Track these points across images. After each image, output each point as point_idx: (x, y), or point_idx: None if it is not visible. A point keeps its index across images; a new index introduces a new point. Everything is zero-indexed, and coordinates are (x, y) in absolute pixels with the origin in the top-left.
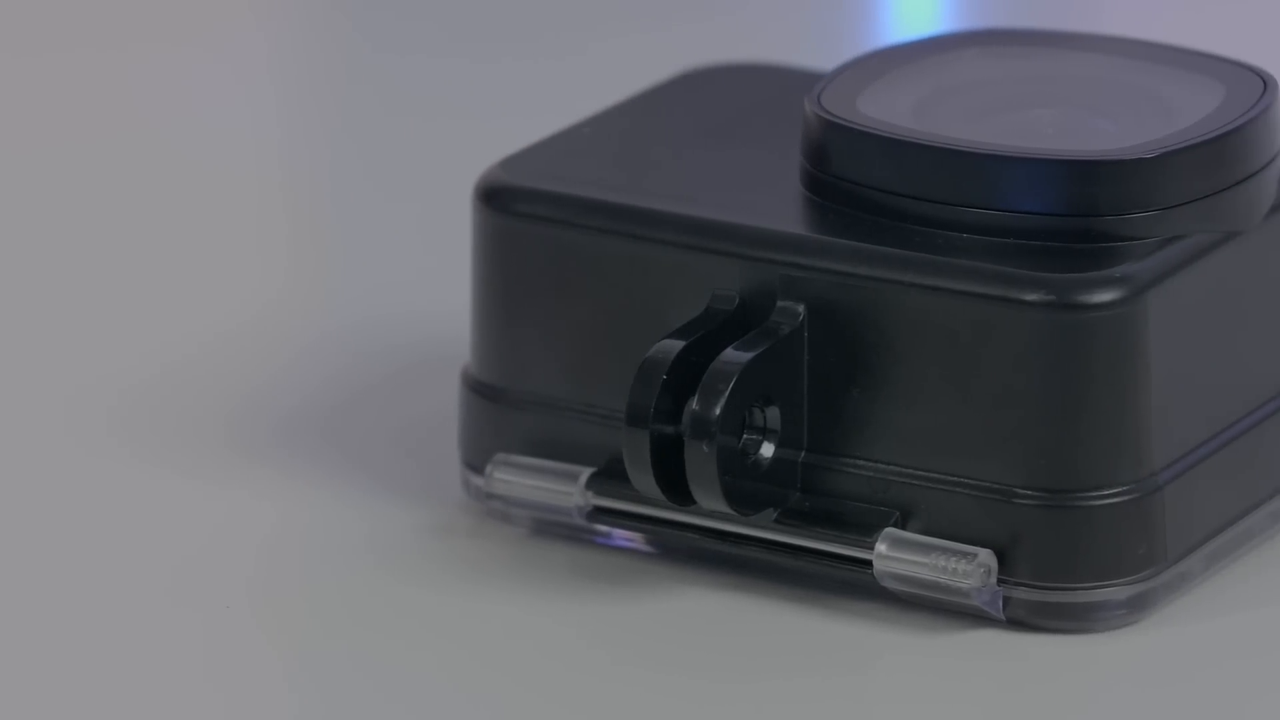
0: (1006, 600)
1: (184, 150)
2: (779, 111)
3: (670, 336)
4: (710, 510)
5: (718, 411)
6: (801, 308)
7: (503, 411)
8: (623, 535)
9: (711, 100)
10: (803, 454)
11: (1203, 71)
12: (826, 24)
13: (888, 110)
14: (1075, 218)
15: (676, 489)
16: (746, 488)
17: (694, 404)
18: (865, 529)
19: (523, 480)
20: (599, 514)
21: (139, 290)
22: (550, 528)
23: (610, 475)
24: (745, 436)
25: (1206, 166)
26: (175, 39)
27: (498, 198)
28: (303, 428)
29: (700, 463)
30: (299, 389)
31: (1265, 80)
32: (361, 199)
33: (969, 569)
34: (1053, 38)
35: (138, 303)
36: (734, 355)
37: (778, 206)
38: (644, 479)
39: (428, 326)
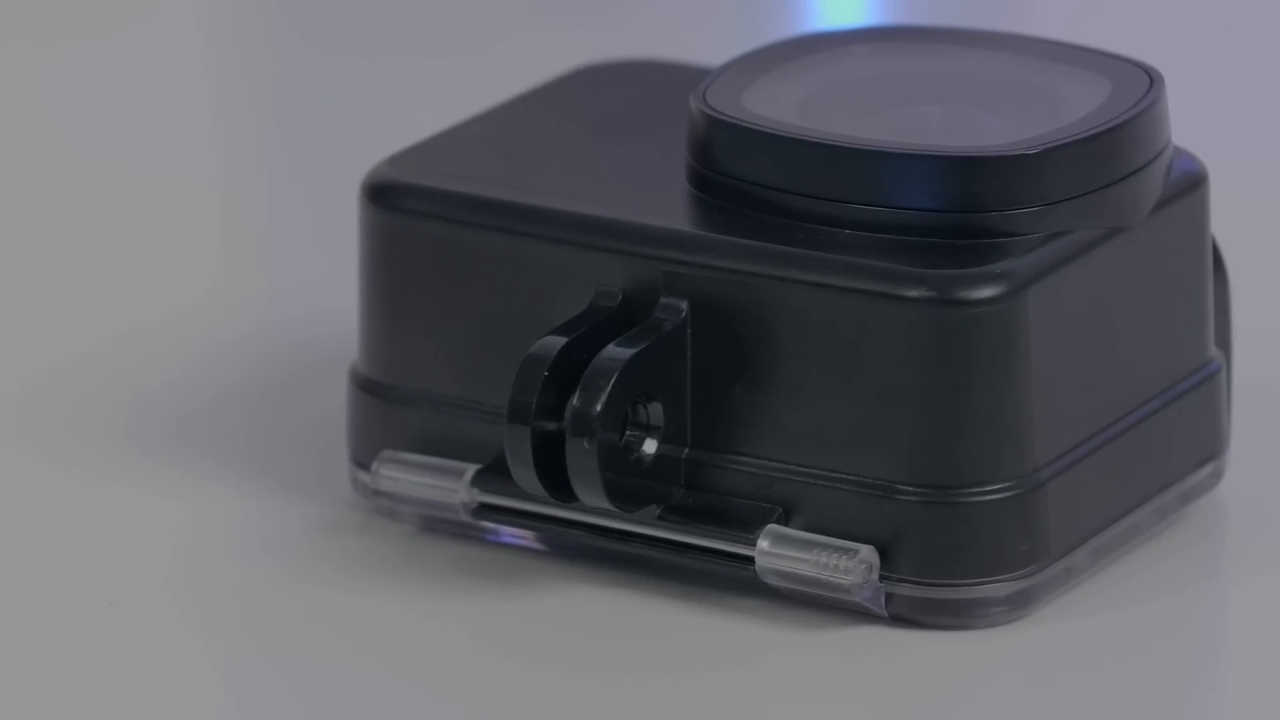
0: (889, 597)
1: (88, 149)
2: (670, 108)
3: (553, 333)
4: (593, 507)
5: (599, 408)
6: (685, 304)
7: (389, 408)
8: (511, 532)
9: (603, 97)
10: (686, 450)
11: (1090, 68)
12: (732, 20)
13: (774, 107)
14: (958, 214)
15: (559, 486)
16: (629, 484)
17: (575, 400)
18: (748, 525)
19: (408, 477)
20: (484, 511)
21: (35, 288)
22: (439, 525)
23: (496, 472)
24: (628, 433)
25: (1090, 162)
26: (70, 30)
27: (384, 195)
28: (198, 425)
29: (581, 459)
30: (196, 388)
31: (1152, 76)
32: (261, 196)
33: (850, 565)
34: (942, 34)
35: (34, 300)
36: (615, 352)
37: (663, 203)
38: (526, 476)
39: (328, 324)
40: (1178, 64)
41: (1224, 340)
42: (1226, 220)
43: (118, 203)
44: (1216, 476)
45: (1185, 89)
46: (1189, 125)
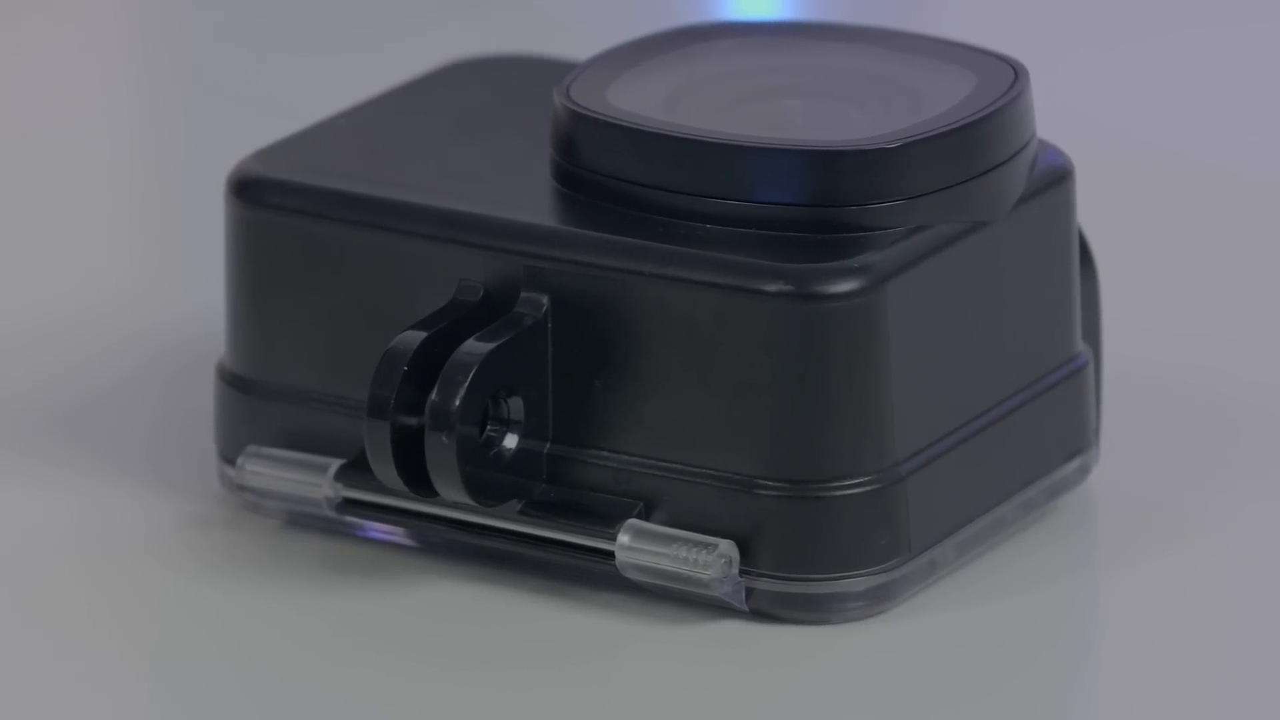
0: (749, 591)
1: None
2: (539, 104)
3: (413, 328)
4: (455, 502)
5: (457, 403)
6: (545, 299)
7: (255, 404)
8: (377, 527)
9: (472, 92)
10: (548, 445)
11: (956, 62)
12: (607, 15)
13: (638, 102)
14: (818, 208)
15: (419, 481)
16: (490, 479)
17: (434, 395)
18: (608, 520)
19: (272, 472)
20: (348, 506)
21: None
22: (306, 520)
23: (360, 467)
24: (488, 428)
25: (951, 156)
26: None
27: (248, 190)
28: (71, 421)
29: (440, 454)
30: (76, 384)
31: (1017, 70)
32: (139, 192)
33: (709, 560)
34: (808, 29)
35: None
36: (474, 346)
37: (526, 198)
38: (386, 471)
39: (205, 320)
40: (1049, 58)
41: (1093, 335)
42: (1097, 214)
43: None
44: (1084, 471)
45: (1056, 83)
46: (1061, 120)
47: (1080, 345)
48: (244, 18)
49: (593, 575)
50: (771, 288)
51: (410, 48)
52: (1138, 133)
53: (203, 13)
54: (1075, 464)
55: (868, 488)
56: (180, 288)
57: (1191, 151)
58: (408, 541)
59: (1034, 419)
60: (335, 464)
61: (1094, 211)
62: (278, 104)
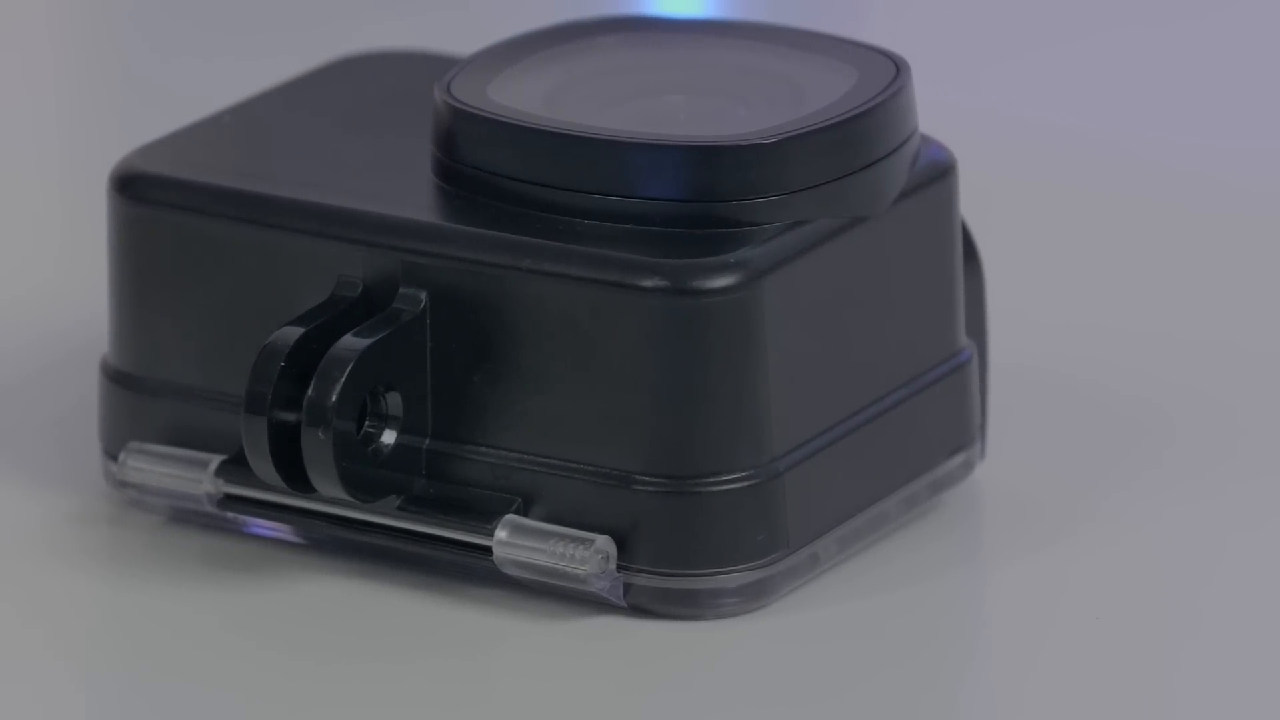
0: (628, 587)
1: None
2: (424, 100)
3: (291, 323)
4: (333, 498)
5: (333, 398)
6: (424, 294)
7: (138, 399)
8: (260, 523)
9: (359, 88)
10: (427, 441)
11: (838, 57)
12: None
13: (519, 97)
14: (697, 203)
15: (297, 477)
16: (368, 474)
17: (310, 391)
18: (486, 516)
19: (154, 468)
20: (229, 502)
21: None
22: (191, 516)
23: (241, 463)
24: (367, 423)
25: (829, 151)
26: None
27: (130, 186)
28: None
29: (317, 450)
30: None
31: (898, 64)
32: (23, 188)
33: (586, 555)
34: (692, 24)
35: None
36: (351, 342)
37: (406, 194)
38: (264, 466)
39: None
40: (934, 53)
41: (978, 329)
42: (983, 209)
43: None
44: (969, 466)
45: (942, 78)
46: (947, 115)
47: (964, 340)
48: (131, 14)
49: (471, 571)
50: (648, 283)
51: (299, 43)
52: (1024, 127)
53: (90, 9)
54: (959, 459)
55: (745, 483)
56: (65, 284)
57: (1078, 144)
58: (291, 538)
59: (916, 414)
60: (216, 460)
61: (980, 206)
62: (166, 100)
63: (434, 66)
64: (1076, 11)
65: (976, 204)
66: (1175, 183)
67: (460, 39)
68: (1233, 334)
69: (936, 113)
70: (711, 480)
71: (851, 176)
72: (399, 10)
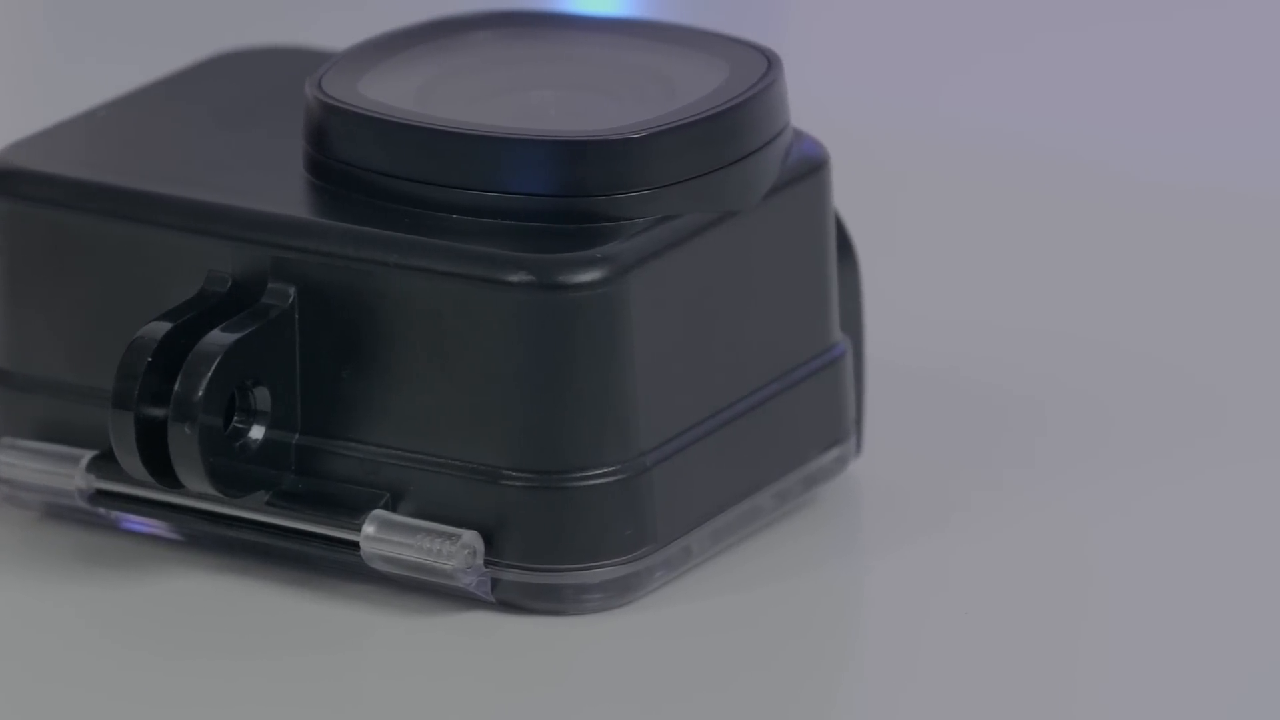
0: (496, 582)
1: None
2: (301, 95)
3: (159, 319)
4: (201, 493)
5: (199, 393)
6: (292, 289)
7: (11, 395)
8: (135, 519)
9: (236, 83)
10: (296, 436)
11: (711, 51)
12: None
13: (389, 93)
14: (565, 198)
15: (165, 472)
16: (236, 470)
17: (177, 386)
18: (354, 511)
19: (25, 464)
20: (101, 497)
21: None
22: (65, 512)
23: (112, 459)
24: (235, 419)
25: (698, 146)
26: None
27: (3, 181)
28: None
29: (183, 445)
30: None
31: (770, 59)
32: None
33: (453, 550)
34: (564, 20)
35: None
36: (218, 337)
37: (276, 189)
38: (131, 462)
39: None
40: (812, 47)
41: (853, 324)
42: (861, 204)
43: None
44: (843, 461)
45: (823, 73)
46: (827, 110)
47: (838, 335)
48: (6, 9)
49: (340, 566)
50: (514, 278)
51: (179, 39)
52: (900, 121)
53: None
54: (833, 454)
55: (612, 478)
56: None
57: (954, 138)
58: (166, 533)
59: (789, 409)
60: (88, 455)
61: (857, 201)
62: (41, 96)
63: (312, 62)
64: (949, 3)
65: (853, 199)
66: (1048, 175)
67: (345, 35)
68: (1104, 328)
69: (814, 108)
70: (578, 475)
71: (721, 171)
72: (282, 6)
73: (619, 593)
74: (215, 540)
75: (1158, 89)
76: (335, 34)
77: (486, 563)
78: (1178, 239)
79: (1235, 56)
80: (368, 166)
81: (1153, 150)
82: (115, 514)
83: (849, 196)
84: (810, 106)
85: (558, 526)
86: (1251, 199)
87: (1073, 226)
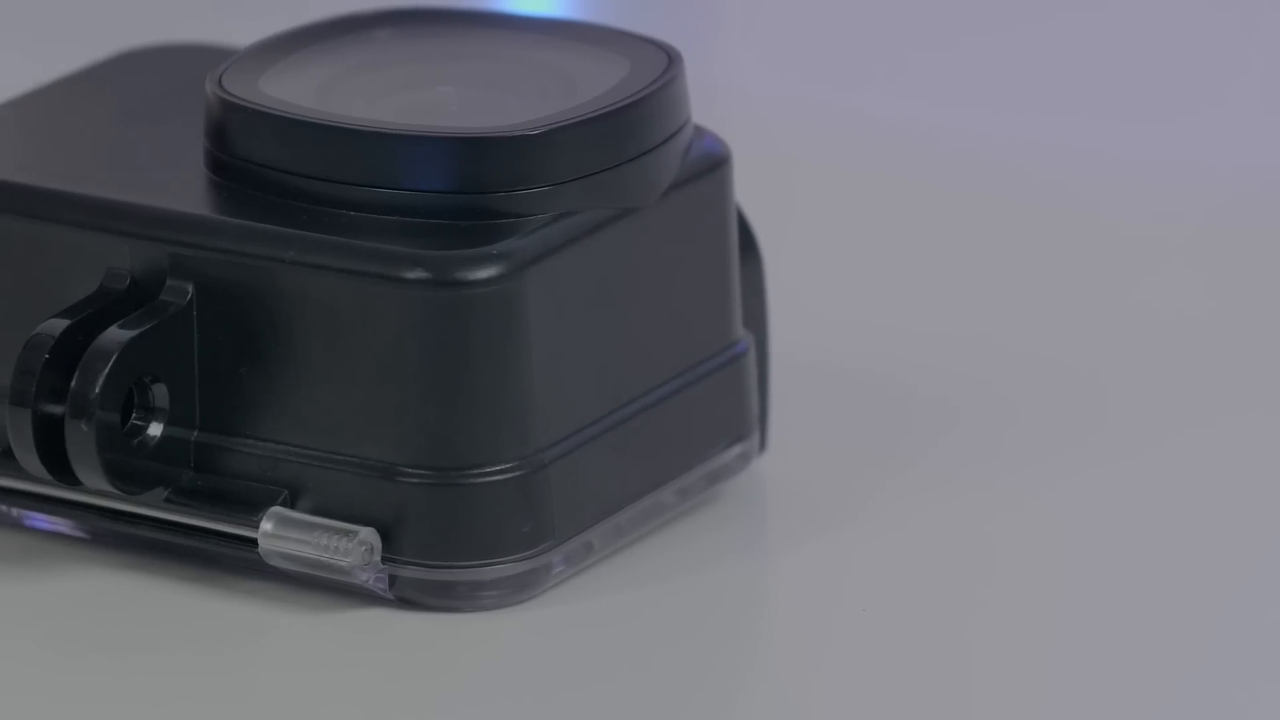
0: (394, 579)
1: None
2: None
3: (58, 315)
4: (100, 490)
5: (96, 390)
6: (190, 286)
7: None
8: (39, 516)
9: (141, 81)
10: (195, 433)
11: (612, 48)
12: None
13: (290, 90)
14: (463, 195)
15: (64, 469)
16: (134, 466)
17: (74, 383)
18: (252, 508)
19: None
20: (2, 494)
21: None
22: None
23: (12, 455)
24: (134, 416)
25: (596, 142)
26: None
27: None
28: None
29: (80, 441)
30: None
31: (671, 55)
32: None
33: (350, 547)
34: (466, 16)
35: None
36: (116, 334)
37: (176, 186)
38: (29, 458)
39: None
40: (724, 44)
41: (757, 321)
42: (769, 201)
43: None
44: (746, 458)
45: (734, 71)
46: (735, 107)
47: (740, 332)
48: None
49: (240, 563)
50: (410, 275)
51: (85, 36)
52: (810, 118)
53: None
54: (736, 450)
55: (509, 475)
56: None
57: (861, 134)
58: (70, 531)
59: (690, 406)
60: None
61: (764, 198)
62: None
63: (217, 60)
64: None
65: (759, 196)
66: (954, 172)
67: (253, 33)
68: (1009, 326)
69: (719, 105)
70: (475, 472)
71: (620, 167)
72: (190, 4)
73: (516, 589)
74: (117, 537)
75: (1065, 86)
76: (243, 32)
77: (384, 559)
78: (1082, 238)
79: (1136, 53)
80: (267, 163)
81: (1058, 148)
82: (18, 511)
83: (755, 193)
84: (716, 103)
85: (454, 523)
86: (1154, 198)
87: (978, 224)
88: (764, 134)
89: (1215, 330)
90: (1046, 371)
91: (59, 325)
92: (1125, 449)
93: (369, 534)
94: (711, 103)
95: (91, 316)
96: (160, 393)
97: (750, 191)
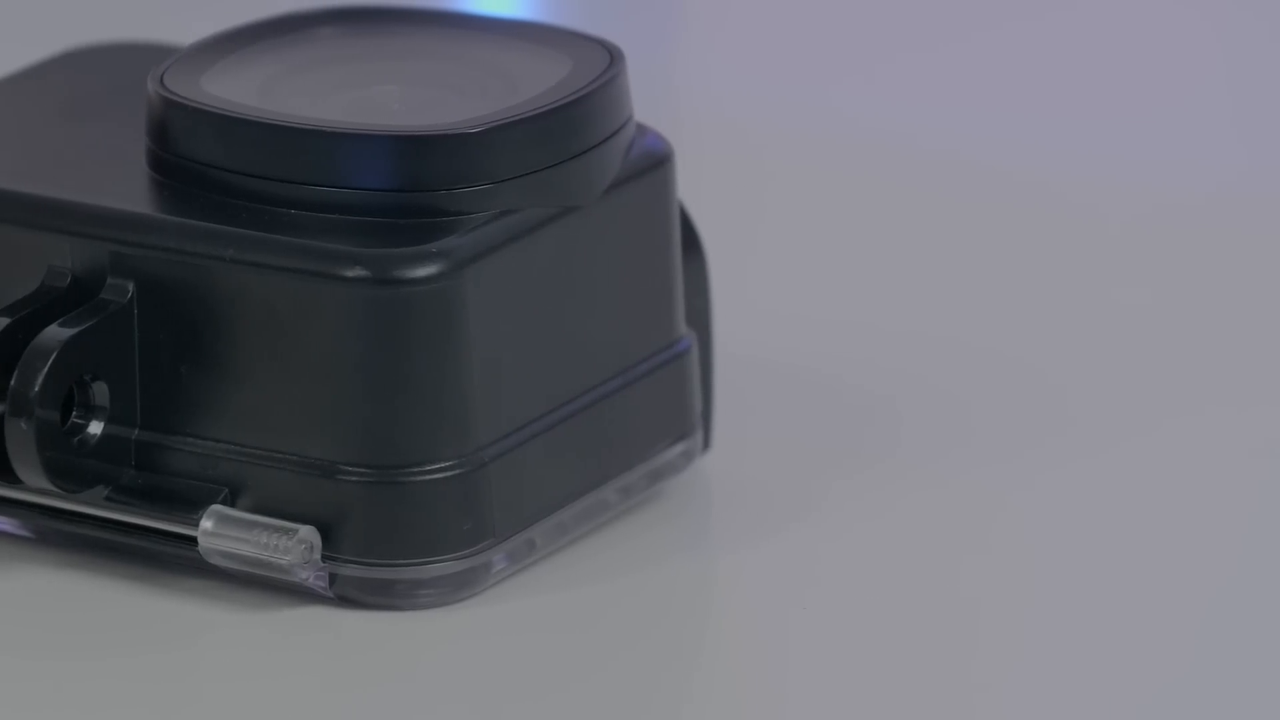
0: (334, 577)
1: None
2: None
3: None
4: (39, 488)
5: (36, 388)
6: (131, 284)
7: None
8: None
9: (86, 79)
10: (136, 431)
11: (555, 46)
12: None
13: (232, 88)
14: (404, 193)
15: (4, 467)
16: (74, 465)
17: (13, 381)
18: (192, 506)
19: None
20: None
21: None
22: None
23: None
24: (74, 414)
25: (537, 140)
26: None
27: None
28: None
29: (20, 440)
30: None
31: (613, 54)
32: None
33: (289, 545)
34: (410, 15)
35: None
36: (55, 332)
37: (118, 185)
38: None
39: None
40: (668, 43)
41: (701, 320)
42: (715, 200)
43: None
44: (689, 456)
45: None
46: (680, 106)
47: (683, 330)
48: None
49: (181, 561)
50: (350, 273)
51: (32, 35)
52: (760, 117)
53: None
54: (679, 449)
55: (449, 473)
56: None
57: (809, 132)
58: (13, 529)
59: (632, 404)
60: None
61: (709, 196)
62: None
63: (161, 59)
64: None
65: (705, 194)
66: (905, 167)
67: (200, 32)
68: (956, 324)
69: (666, 103)
70: (415, 470)
71: (561, 165)
72: (137, 3)
73: (456, 588)
74: (58, 536)
75: (1005, 81)
76: (187, 31)
77: (324, 558)
78: (1031, 234)
79: (1075, 50)
80: (208, 162)
81: (1005, 143)
82: None
83: (702, 191)
84: (661, 102)
85: (394, 521)
86: (1100, 194)
87: (925, 220)
88: (711, 132)
89: (1169, 327)
90: (998, 369)
91: None
92: (1081, 447)
93: (309, 532)
94: (657, 101)
95: (32, 314)
96: (101, 391)
97: (696, 189)
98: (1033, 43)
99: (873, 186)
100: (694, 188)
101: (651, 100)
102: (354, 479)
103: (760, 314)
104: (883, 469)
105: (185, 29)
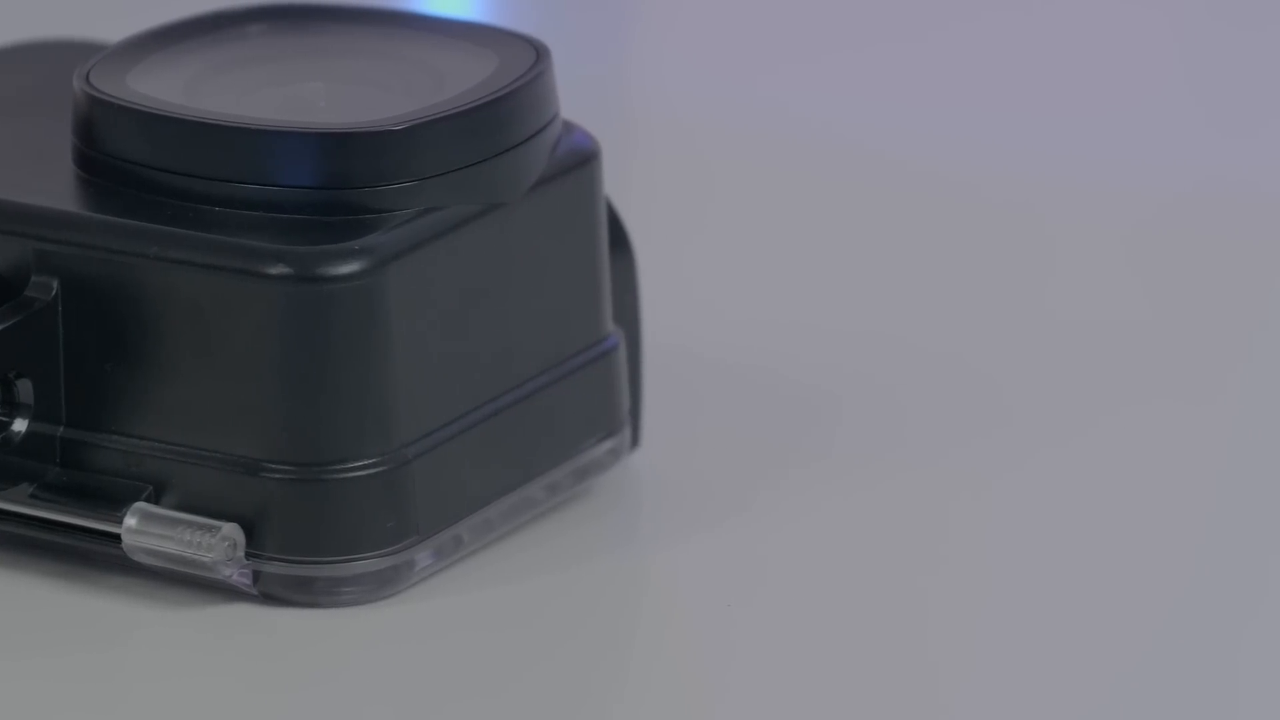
0: (258, 575)
1: None
2: None
3: None
4: None
5: None
6: (55, 282)
7: None
8: None
9: (16, 75)
10: (61, 429)
11: (481, 43)
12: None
13: (158, 86)
14: (328, 190)
15: None
16: None
17: None
18: (116, 503)
19: None
20: None
21: None
22: None
23: None
24: None
25: (461, 137)
26: None
27: None
28: None
29: None
30: None
31: (539, 50)
32: None
33: (212, 543)
34: (336, 12)
35: None
36: None
37: (42, 183)
38: None
39: None
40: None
41: (630, 317)
42: (644, 197)
43: None
44: (616, 454)
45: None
46: (610, 103)
47: (610, 327)
48: None
49: (105, 559)
50: (273, 270)
51: None
52: (681, 113)
53: None
54: (607, 446)
55: (372, 470)
56: None
57: (743, 127)
58: None
59: (559, 401)
60: None
61: (638, 193)
62: None
63: (88, 56)
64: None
65: (634, 191)
66: (836, 164)
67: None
68: (894, 322)
69: (596, 100)
70: (338, 468)
71: (485, 163)
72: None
73: (379, 585)
74: None
75: (950, 78)
76: (116, 28)
77: (248, 555)
78: (969, 230)
79: (1020, 47)
80: (132, 159)
81: (945, 140)
82: None
83: (647, 188)
84: (591, 98)
85: (317, 519)
86: (1040, 191)
87: (863, 217)
88: (656, 129)
89: (1110, 326)
90: (935, 366)
91: None
92: (1019, 446)
93: (232, 529)
94: (605, 99)
95: None
96: (25, 388)
97: (641, 186)
98: (971, 41)
99: (817, 184)
100: (640, 185)
101: (597, 98)
102: (277, 476)
103: (686, 311)
104: (815, 467)
105: (117, 27)
